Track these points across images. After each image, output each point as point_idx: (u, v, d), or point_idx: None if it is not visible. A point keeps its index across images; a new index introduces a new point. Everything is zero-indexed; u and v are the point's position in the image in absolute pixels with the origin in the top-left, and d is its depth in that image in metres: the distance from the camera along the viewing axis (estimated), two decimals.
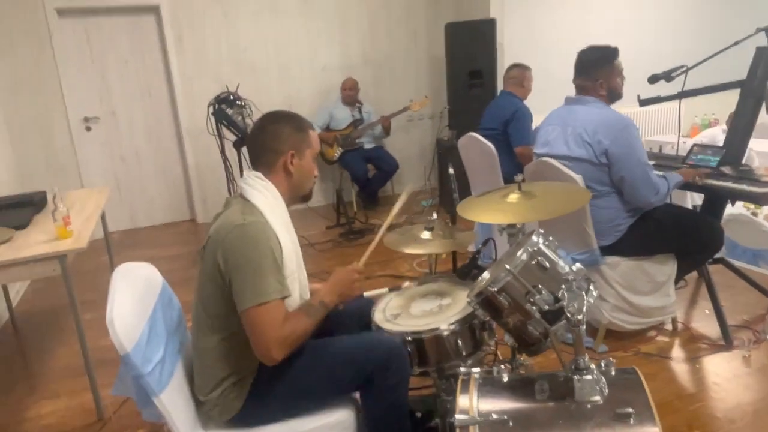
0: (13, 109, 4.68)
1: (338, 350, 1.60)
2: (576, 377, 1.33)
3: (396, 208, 1.86)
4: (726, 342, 2.58)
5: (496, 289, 1.45)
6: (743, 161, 2.87)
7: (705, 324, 2.78)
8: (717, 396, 2.25)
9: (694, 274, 3.15)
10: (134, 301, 1.48)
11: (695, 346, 2.62)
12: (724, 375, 2.38)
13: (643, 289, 2.57)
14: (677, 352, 2.58)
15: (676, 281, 2.66)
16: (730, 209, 3.72)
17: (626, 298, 2.56)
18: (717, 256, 2.85)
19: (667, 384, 2.34)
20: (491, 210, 1.75)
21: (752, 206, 3.91)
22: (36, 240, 2.38)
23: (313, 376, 1.55)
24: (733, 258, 3.55)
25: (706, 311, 2.85)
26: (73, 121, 4.92)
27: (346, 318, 1.82)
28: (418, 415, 1.92)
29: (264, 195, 1.58)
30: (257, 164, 1.64)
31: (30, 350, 3.17)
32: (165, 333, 1.58)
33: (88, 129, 5.06)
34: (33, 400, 2.61)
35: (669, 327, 2.77)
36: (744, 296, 2.99)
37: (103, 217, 3.59)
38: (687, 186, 2.65)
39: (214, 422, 1.58)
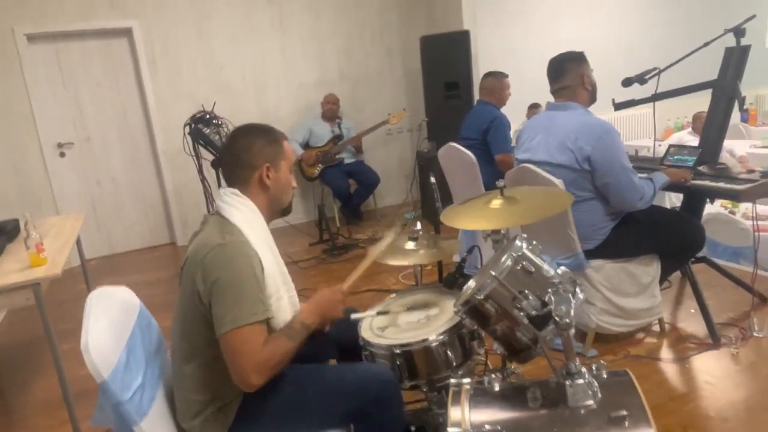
0: None
1: (331, 381, 1.54)
2: (568, 382, 1.31)
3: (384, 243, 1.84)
4: (713, 340, 2.59)
5: (482, 297, 1.42)
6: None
7: (691, 323, 2.79)
8: (709, 395, 2.24)
9: (678, 274, 3.16)
10: (110, 326, 1.42)
11: (684, 346, 2.62)
12: (715, 373, 2.38)
13: (629, 291, 2.56)
14: (666, 353, 2.57)
15: (661, 282, 2.66)
16: (709, 208, 3.77)
17: (612, 300, 2.55)
18: (699, 255, 2.88)
19: (658, 386, 2.33)
20: (474, 217, 1.73)
21: (730, 205, 3.98)
22: (8, 269, 2.30)
23: (304, 405, 1.49)
24: (714, 257, 3.57)
25: (692, 311, 2.86)
26: (46, 147, 4.83)
27: (332, 333, 1.77)
28: (413, 429, 1.88)
29: (242, 212, 1.52)
30: (232, 180, 1.58)
31: (7, 384, 3.05)
32: (144, 358, 1.52)
33: (62, 155, 4.97)
34: None
35: (657, 328, 2.77)
36: (728, 294, 3.00)
37: (79, 244, 3.50)
38: (667, 186, 2.67)
39: None
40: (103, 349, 1.33)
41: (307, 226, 5.54)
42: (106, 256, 5.26)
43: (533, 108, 5.35)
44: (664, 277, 2.68)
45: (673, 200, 4.33)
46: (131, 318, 1.57)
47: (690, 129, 5.56)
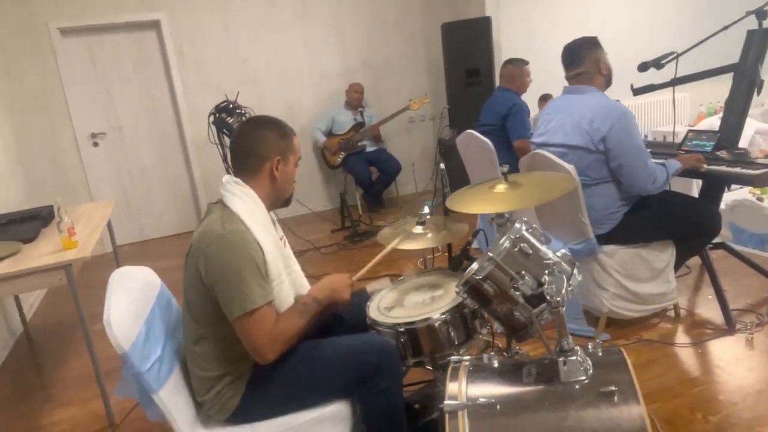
0: (22, 127, 4.81)
1: (332, 352, 1.62)
2: (561, 359, 1.35)
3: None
4: (729, 326, 2.57)
5: (481, 277, 1.48)
6: (747, 146, 2.86)
7: (708, 309, 2.78)
8: (719, 379, 2.24)
9: (699, 260, 3.13)
10: (131, 302, 1.53)
11: (698, 331, 2.61)
12: (727, 358, 2.37)
13: (643, 277, 2.57)
14: (680, 338, 2.57)
15: (676, 267, 2.65)
16: (736, 195, 3.71)
17: (626, 286, 2.56)
18: (717, 241, 2.85)
19: (669, 369, 2.34)
20: (479, 201, 1.77)
21: (758, 191, 3.90)
22: (43, 252, 2.45)
23: (308, 377, 1.58)
24: (741, 243, 3.53)
25: (709, 297, 2.84)
26: (80, 137, 5.03)
27: (344, 313, 1.85)
28: (417, 407, 1.94)
29: (244, 201, 1.60)
30: (240, 169, 1.66)
31: (43, 361, 3.24)
32: (163, 333, 1.63)
33: (95, 144, 5.17)
34: (47, 409, 2.68)
35: (672, 314, 2.76)
36: (748, 280, 2.97)
37: (112, 231, 3.67)
38: (686, 172, 2.65)
39: (214, 421, 1.61)
40: (124, 324, 1.43)
41: (330, 213, 5.64)
42: (137, 243, 5.46)
43: (544, 100, 5.29)
44: (679, 263, 2.67)
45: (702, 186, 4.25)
46: (152, 296, 1.67)
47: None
